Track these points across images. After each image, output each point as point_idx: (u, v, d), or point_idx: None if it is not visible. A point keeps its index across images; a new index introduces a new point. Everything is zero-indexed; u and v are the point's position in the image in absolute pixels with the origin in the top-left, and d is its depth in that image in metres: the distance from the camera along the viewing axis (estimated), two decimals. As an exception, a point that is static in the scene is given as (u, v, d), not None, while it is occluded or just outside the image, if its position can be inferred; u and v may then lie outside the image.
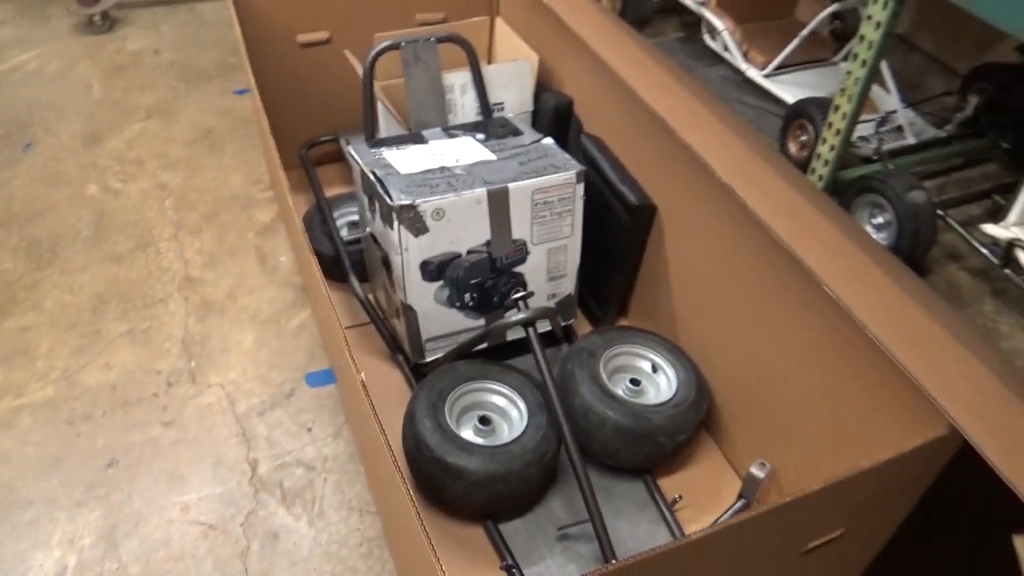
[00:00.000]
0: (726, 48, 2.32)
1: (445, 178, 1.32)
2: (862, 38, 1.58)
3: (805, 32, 2.14)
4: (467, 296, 1.37)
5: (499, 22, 1.75)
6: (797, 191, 1.13)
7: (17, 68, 2.32)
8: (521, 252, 1.37)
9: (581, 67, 1.54)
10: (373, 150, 1.43)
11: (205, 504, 1.30)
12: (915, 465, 0.88)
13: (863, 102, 1.66)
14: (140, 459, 1.36)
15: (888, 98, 2.07)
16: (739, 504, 1.27)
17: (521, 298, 1.32)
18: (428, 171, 1.34)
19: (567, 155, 1.40)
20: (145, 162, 2.01)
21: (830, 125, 1.73)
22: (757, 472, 1.23)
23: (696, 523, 1.27)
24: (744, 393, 1.28)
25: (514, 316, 1.28)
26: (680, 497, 1.29)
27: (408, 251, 1.29)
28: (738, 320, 1.25)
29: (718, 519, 1.26)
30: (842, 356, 1.02)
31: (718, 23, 2.29)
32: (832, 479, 0.78)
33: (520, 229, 1.35)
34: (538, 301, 1.44)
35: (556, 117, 1.61)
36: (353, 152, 1.42)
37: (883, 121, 1.99)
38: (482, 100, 1.58)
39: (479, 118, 1.61)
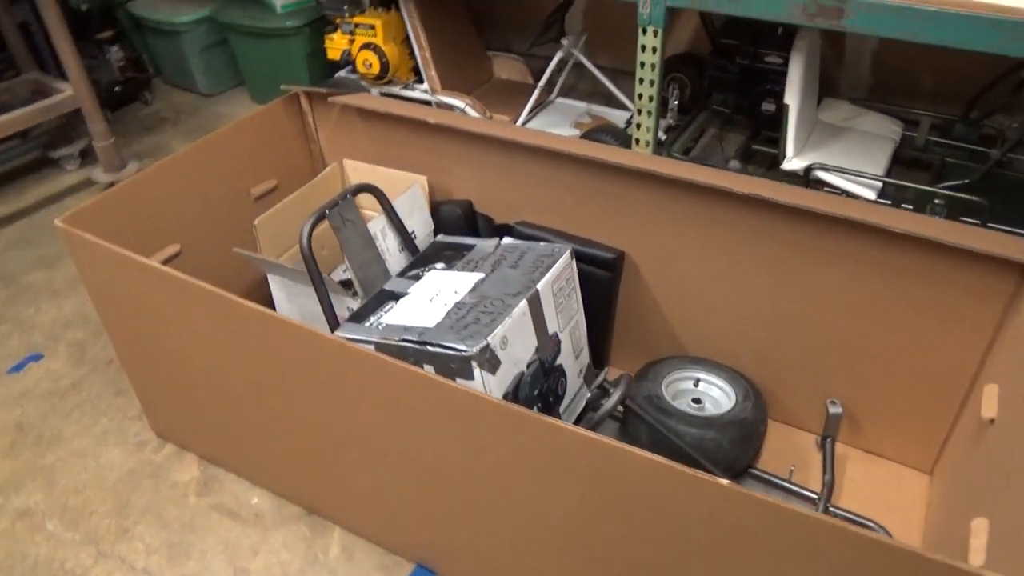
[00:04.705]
0: (468, 121, 2.51)
1: (469, 312, 1.29)
2: (642, 76, 1.88)
3: (542, 82, 2.43)
4: (534, 409, 1.35)
5: (348, 163, 1.70)
6: (708, 170, 1.35)
7: None
8: (557, 345, 1.39)
9: (472, 165, 1.59)
10: (365, 324, 1.32)
11: None
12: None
13: (659, 115, 1.97)
14: None
15: (624, 113, 2.48)
16: (828, 441, 1.46)
17: (603, 381, 1.34)
18: (448, 315, 1.29)
19: (538, 243, 1.45)
20: (-31, 500, 1.53)
21: (638, 141, 2.02)
22: (834, 409, 1.43)
23: (813, 481, 1.43)
24: (781, 359, 1.47)
25: (611, 401, 1.30)
26: (793, 468, 1.43)
27: (491, 391, 1.23)
28: (745, 299, 1.42)
29: (825, 463, 1.43)
30: (872, 266, 1.26)
31: (457, 102, 2.47)
32: None
33: (552, 324, 1.37)
34: (572, 380, 1.46)
35: (466, 223, 1.63)
36: (350, 335, 1.29)
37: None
38: (404, 236, 1.54)
39: (401, 254, 1.56)
